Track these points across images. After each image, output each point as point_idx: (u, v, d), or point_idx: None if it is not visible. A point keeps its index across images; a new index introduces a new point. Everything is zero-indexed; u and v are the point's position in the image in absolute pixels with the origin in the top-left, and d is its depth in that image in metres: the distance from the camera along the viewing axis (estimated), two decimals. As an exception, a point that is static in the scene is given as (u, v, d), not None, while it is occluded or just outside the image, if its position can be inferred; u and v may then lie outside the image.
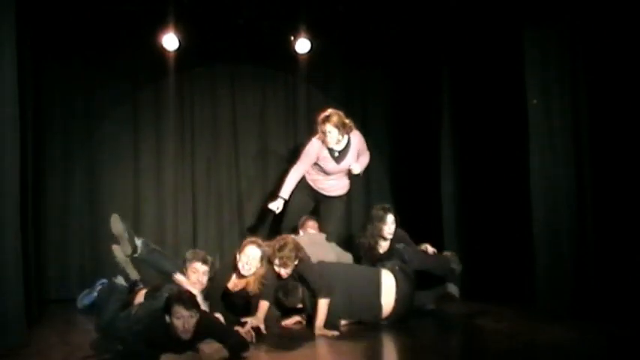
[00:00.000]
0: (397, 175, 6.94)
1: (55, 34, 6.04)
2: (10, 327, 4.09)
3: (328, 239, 5.42)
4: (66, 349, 4.15)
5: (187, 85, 6.67)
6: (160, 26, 6.08)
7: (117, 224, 4.70)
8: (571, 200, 5.05)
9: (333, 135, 5.33)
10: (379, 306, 4.75)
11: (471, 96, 6.12)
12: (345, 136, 5.43)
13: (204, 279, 4.58)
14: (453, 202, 6.16)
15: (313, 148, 5.46)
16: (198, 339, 3.91)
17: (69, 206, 6.34)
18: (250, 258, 4.75)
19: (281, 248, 4.67)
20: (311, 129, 6.85)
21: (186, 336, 3.76)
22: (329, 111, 5.37)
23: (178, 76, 6.55)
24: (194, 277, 4.54)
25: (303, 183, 5.57)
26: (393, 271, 4.87)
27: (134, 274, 4.68)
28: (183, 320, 3.72)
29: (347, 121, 5.38)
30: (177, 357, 3.81)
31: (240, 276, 4.82)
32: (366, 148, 5.62)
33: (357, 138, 5.52)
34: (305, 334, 4.51)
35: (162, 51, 6.26)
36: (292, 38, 6.45)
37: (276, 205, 5.38)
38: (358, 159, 5.57)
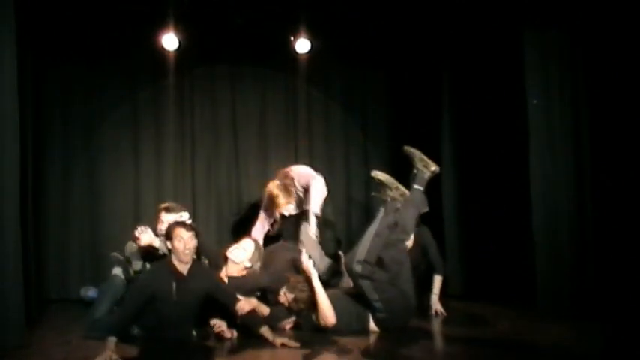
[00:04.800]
0: (397, 175, 6.90)
1: (55, 35, 6.04)
2: (10, 327, 4.09)
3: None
4: (66, 349, 4.15)
5: (187, 85, 6.66)
6: (160, 26, 6.08)
7: (132, 247, 4.72)
8: (571, 200, 5.06)
9: (290, 208, 5.43)
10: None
11: (472, 97, 6.13)
12: (294, 195, 5.46)
13: None
14: (454, 203, 6.17)
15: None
16: (198, 286, 4.17)
17: (69, 206, 6.33)
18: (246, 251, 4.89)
19: (301, 290, 4.52)
20: (311, 129, 6.90)
21: (187, 258, 4.06)
22: (271, 190, 5.42)
23: (178, 76, 6.55)
24: None
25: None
26: (377, 323, 4.59)
27: (138, 265, 4.68)
28: (183, 242, 4.03)
29: (287, 183, 5.44)
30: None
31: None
32: (308, 179, 5.53)
33: (296, 182, 5.53)
34: (298, 335, 4.49)
35: (162, 51, 6.27)
36: (292, 38, 6.45)
37: None
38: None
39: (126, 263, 4.76)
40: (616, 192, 4.94)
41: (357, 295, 4.60)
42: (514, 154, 5.53)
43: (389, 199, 4.83)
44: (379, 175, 4.91)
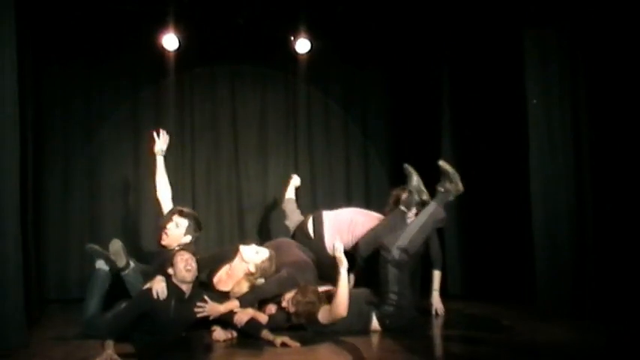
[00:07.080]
0: (397, 175, 6.93)
1: (55, 35, 6.05)
2: (10, 327, 4.08)
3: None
4: (66, 349, 4.15)
5: (187, 85, 6.67)
6: (159, 26, 6.09)
7: (116, 244, 4.70)
8: (571, 200, 5.06)
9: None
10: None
11: (471, 96, 6.13)
12: None
13: None
14: (453, 202, 6.14)
15: None
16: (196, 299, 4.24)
17: (69, 206, 6.34)
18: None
19: (305, 304, 4.46)
20: (311, 129, 6.90)
21: (191, 275, 4.15)
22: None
23: (178, 76, 6.56)
24: None
25: None
26: (381, 322, 4.55)
27: (122, 262, 4.67)
28: (185, 261, 4.14)
29: None
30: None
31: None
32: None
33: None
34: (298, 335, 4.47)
35: (162, 51, 6.27)
36: (292, 38, 6.45)
37: None
38: None
39: (109, 257, 4.73)
40: (616, 191, 4.94)
41: (373, 284, 4.58)
42: (514, 154, 5.53)
43: (442, 190, 4.69)
44: (446, 165, 4.74)
